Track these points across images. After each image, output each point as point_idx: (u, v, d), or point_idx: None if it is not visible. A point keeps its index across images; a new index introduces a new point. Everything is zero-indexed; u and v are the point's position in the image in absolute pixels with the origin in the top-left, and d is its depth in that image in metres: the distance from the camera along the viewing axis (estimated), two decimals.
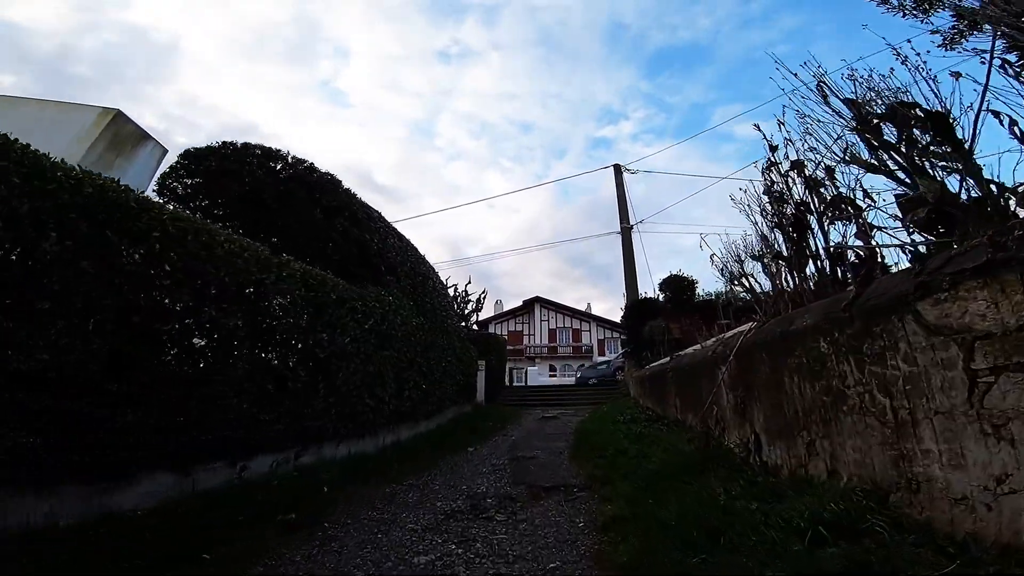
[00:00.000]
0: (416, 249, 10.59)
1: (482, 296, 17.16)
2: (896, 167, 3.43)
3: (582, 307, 43.31)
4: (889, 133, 3.44)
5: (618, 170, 22.31)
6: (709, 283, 25.16)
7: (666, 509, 3.66)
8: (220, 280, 4.12)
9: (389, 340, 7.45)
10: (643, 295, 15.68)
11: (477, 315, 16.99)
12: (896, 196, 3.23)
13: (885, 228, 3.43)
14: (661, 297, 14.43)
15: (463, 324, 16.19)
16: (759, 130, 5.18)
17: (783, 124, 4.84)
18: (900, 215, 3.16)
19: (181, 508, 3.80)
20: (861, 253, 3.50)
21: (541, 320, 41.80)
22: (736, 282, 6.95)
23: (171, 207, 4.37)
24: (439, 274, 12.24)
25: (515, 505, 4.67)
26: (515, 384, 26.27)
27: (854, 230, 3.90)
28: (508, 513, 4.43)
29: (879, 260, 3.22)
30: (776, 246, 5.08)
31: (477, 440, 8.85)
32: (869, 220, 3.57)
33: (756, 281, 5.94)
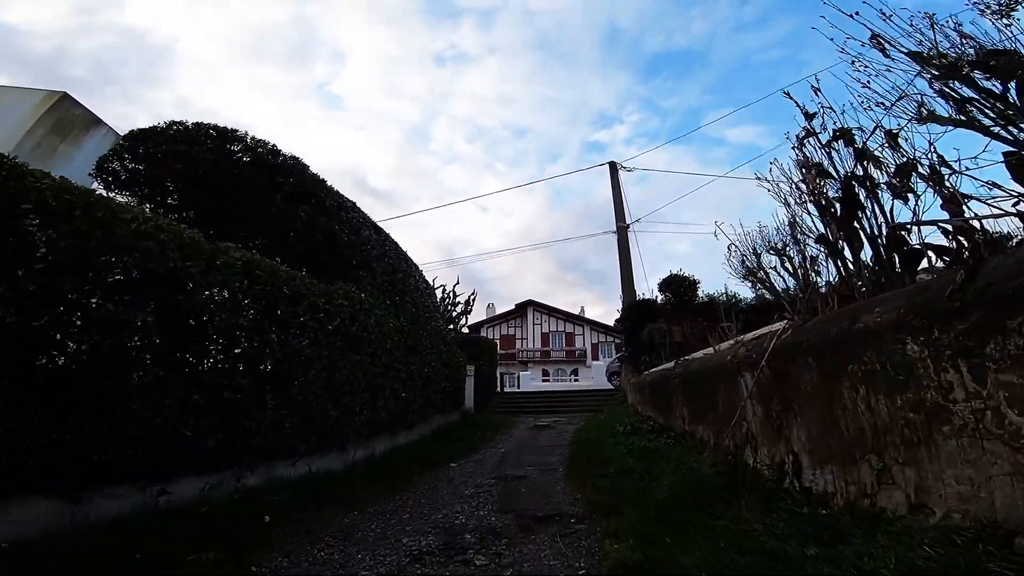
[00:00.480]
0: (397, 245, 9.74)
1: (471, 298, 16.30)
2: (992, 123, 2.66)
3: (576, 311, 42.58)
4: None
5: (614, 168, 21.61)
6: (709, 285, 24.44)
7: (690, 552, 2.83)
8: (122, 265, 3.23)
9: (360, 343, 6.57)
10: (640, 296, 14.88)
11: (466, 318, 16.14)
12: (1006, 155, 2.45)
13: (978, 197, 2.64)
14: (660, 298, 13.63)
15: (451, 327, 15.31)
16: (790, 97, 4.38)
17: (819, 91, 4.08)
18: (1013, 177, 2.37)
19: (59, 543, 2.92)
20: (949, 229, 2.68)
21: (534, 324, 40.95)
22: (754, 277, 6.16)
23: (108, 193, 3.52)
24: (424, 273, 11.39)
25: (500, 542, 3.80)
26: (507, 390, 25.38)
27: (926, 205, 3.10)
28: (491, 554, 3.55)
29: (982, 234, 2.41)
30: (814, 230, 4.28)
31: (462, 453, 7.97)
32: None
33: (783, 273, 5.14)
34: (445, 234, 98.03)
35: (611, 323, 43.62)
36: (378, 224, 9.16)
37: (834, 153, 4.01)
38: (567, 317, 41.62)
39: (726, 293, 12.87)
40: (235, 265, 4.53)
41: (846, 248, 3.71)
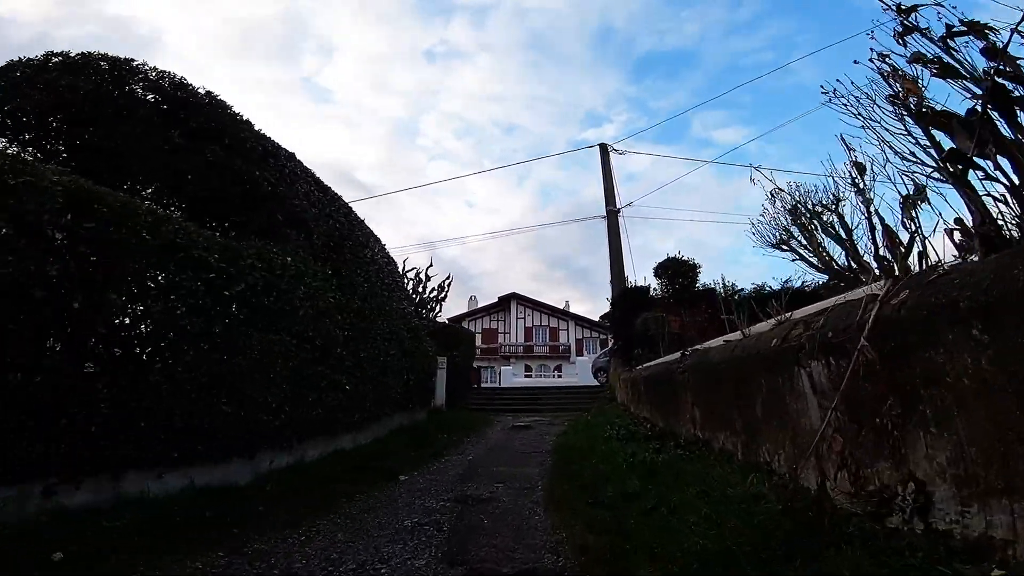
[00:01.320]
0: (352, 211, 8.17)
1: (446, 282, 14.73)
2: None
3: (561, 305, 41.24)
4: None
5: (604, 150, 20.29)
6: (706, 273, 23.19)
7: None
8: None
9: (281, 319, 5.02)
10: (632, 284, 13.49)
11: (441, 305, 14.59)
12: None
13: None
14: (656, 285, 12.26)
15: (422, 312, 13.76)
16: None
17: None
18: None
19: None
20: None
21: (517, 318, 39.49)
22: (800, 240, 4.76)
23: None
24: (387, 249, 9.82)
25: None
26: (486, 385, 23.93)
27: None
28: None
29: None
30: (915, 157, 2.85)
31: (420, 461, 6.46)
32: None
33: (851, 232, 3.73)
34: (432, 231, 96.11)
35: (597, 319, 42.46)
36: (326, 184, 7.57)
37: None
38: (552, 311, 40.24)
39: (723, 282, 11.54)
40: (49, 191, 2.95)
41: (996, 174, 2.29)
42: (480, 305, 41.24)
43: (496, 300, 40.31)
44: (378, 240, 9.16)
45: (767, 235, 5.89)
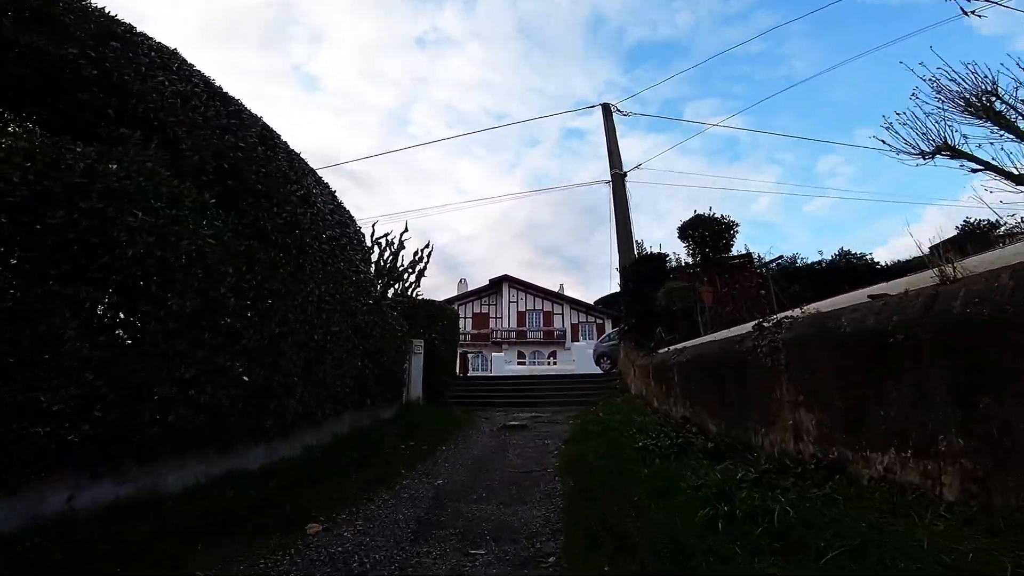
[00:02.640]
0: (276, 136, 5.83)
1: (425, 251, 12.35)
2: None
3: (555, 288, 39.03)
4: None
5: (607, 110, 18.00)
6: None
7: None
8: None
9: (89, 258, 2.73)
10: (647, 252, 11.24)
11: (419, 278, 12.26)
12: None
13: None
14: (681, 254, 10.02)
15: (394, 286, 11.45)
16: None
17: None
18: None
19: None
20: None
21: (510, 302, 37.23)
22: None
23: None
24: (338, 198, 7.49)
25: None
26: (475, 374, 21.85)
27: None
28: None
29: None
30: None
31: (359, 492, 4.22)
32: None
33: None
34: (422, 217, 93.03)
35: (592, 303, 40.32)
36: (238, 101, 5.19)
37: None
38: (545, 295, 38.03)
39: (759, 256, 9.36)
40: None
41: None
42: (470, 288, 38.96)
43: (487, 283, 38.04)
44: (322, 182, 6.82)
45: (918, 138, 3.67)
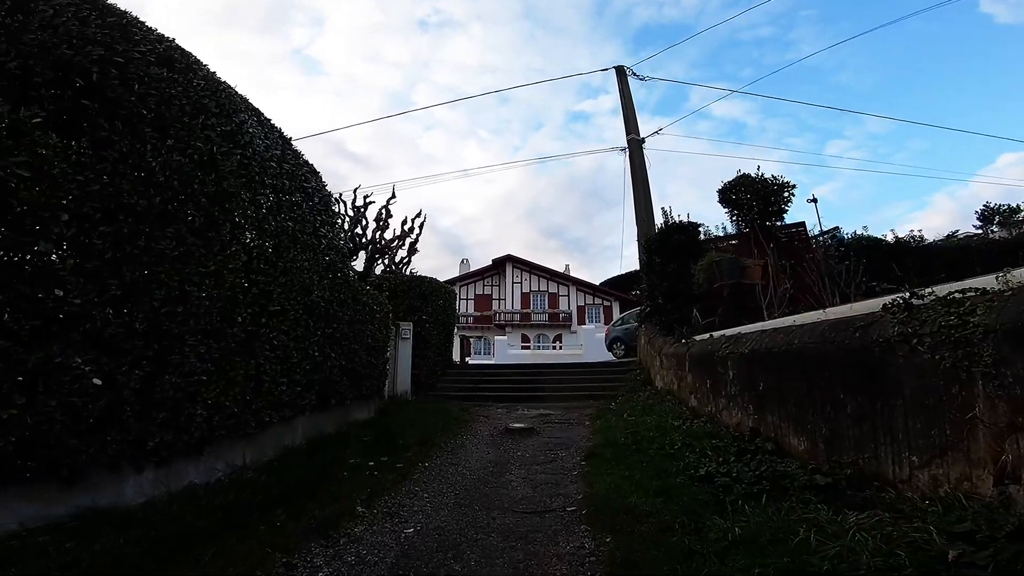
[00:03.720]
0: (191, 59, 4.18)
1: (416, 221, 10.71)
2: None
3: (560, 269, 37.45)
4: None
5: (621, 73, 16.28)
6: None
7: None
8: None
9: None
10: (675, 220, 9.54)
11: (410, 253, 10.68)
12: None
13: None
14: (725, 225, 8.35)
15: (379, 260, 9.86)
16: None
17: None
18: None
19: None
20: None
21: (513, 282, 35.69)
22: None
23: None
24: (296, 148, 5.85)
25: None
26: (476, 360, 20.45)
27: None
28: None
29: None
30: None
31: (261, 560, 2.72)
32: None
33: None
34: (426, 202, 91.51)
35: (599, 284, 38.66)
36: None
37: None
38: (551, 275, 36.45)
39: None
40: None
41: None
42: (472, 269, 37.43)
43: (490, 263, 36.47)
44: (270, 125, 5.19)
45: None
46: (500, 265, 36.15)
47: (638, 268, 35.64)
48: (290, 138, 5.69)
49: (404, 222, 10.32)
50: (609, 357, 16.77)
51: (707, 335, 6.61)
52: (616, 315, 36.45)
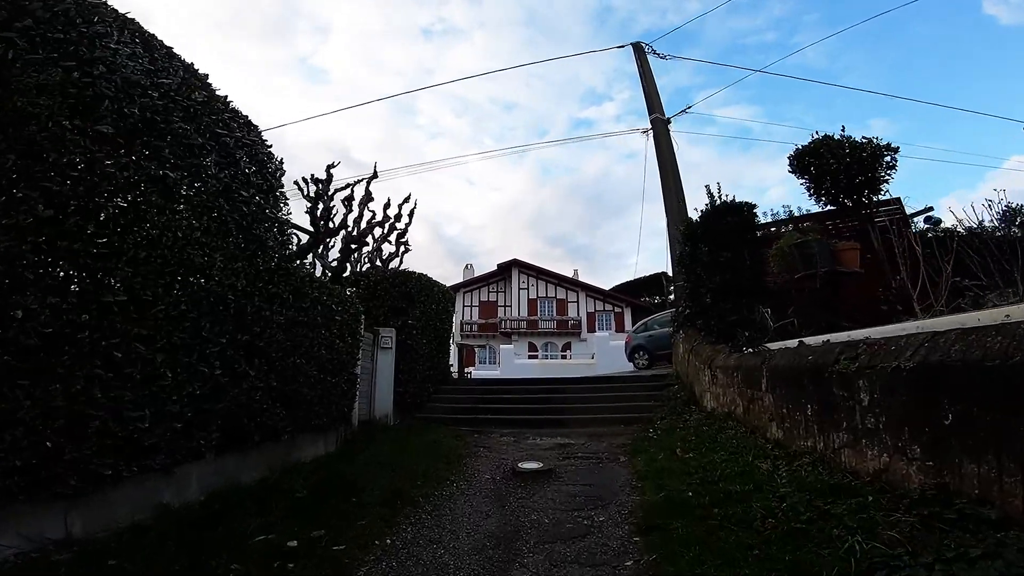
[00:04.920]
0: None
1: (404, 208, 8.87)
2: None
3: (568, 274, 35.59)
4: None
5: (639, 51, 14.63)
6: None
7: None
8: None
9: None
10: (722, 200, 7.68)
11: (399, 246, 8.89)
12: None
13: None
14: (807, 195, 6.44)
15: (355, 252, 8.07)
16: None
17: None
18: None
19: None
20: None
21: (519, 288, 33.83)
22: None
23: None
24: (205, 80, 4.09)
25: None
26: (480, 372, 18.62)
27: None
28: None
29: None
30: None
31: None
32: None
33: None
34: (431, 208, 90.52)
35: (609, 290, 36.68)
36: None
37: None
38: (559, 280, 34.57)
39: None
40: None
41: None
42: (477, 275, 35.67)
43: (495, 268, 34.70)
44: (150, 38, 3.45)
45: None
46: (506, 270, 34.34)
47: (646, 277, 33.70)
48: (201, 71, 3.92)
49: (387, 205, 8.51)
50: (627, 367, 14.85)
51: (792, 342, 4.78)
52: (628, 322, 34.48)
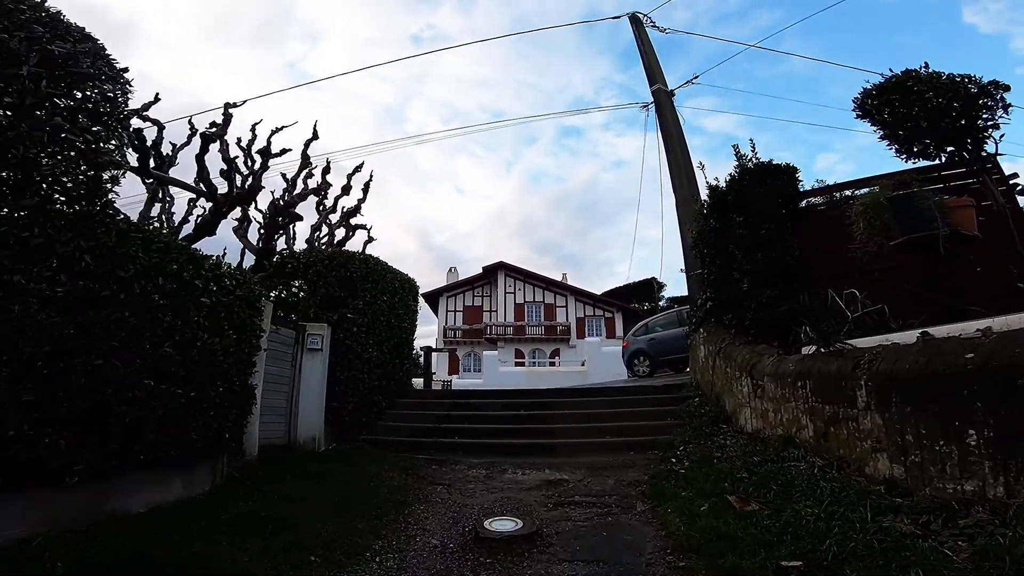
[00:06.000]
0: None
1: (354, 179, 7.06)
2: None
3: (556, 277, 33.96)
4: None
5: (636, 21, 13.20)
6: None
7: None
8: None
9: None
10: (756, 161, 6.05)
11: (347, 222, 7.11)
12: None
13: None
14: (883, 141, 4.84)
15: (281, 229, 6.30)
16: None
17: None
18: None
19: None
20: None
21: (506, 292, 32.04)
22: None
23: None
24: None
25: None
26: (462, 381, 16.92)
27: None
28: None
29: None
30: None
31: None
32: None
33: None
34: (421, 216, 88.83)
35: (599, 294, 35.02)
36: None
37: None
38: (547, 284, 32.88)
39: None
40: None
41: None
42: (461, 278, 33.89)
43: (480, 271, 32.95)
44: None
45: None
46: (491, 273, 32.57)
47: (636, 283, 31.97)
48: None
49: (326, 170, 6.70)
50: (622, 375, 13.17)
51: (904, 335, 3.17)
52: (619, 328, 32.77)
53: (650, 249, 76.14)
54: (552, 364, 28.91)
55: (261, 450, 4.29)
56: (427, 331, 36.09)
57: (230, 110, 5.41)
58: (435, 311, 33.82)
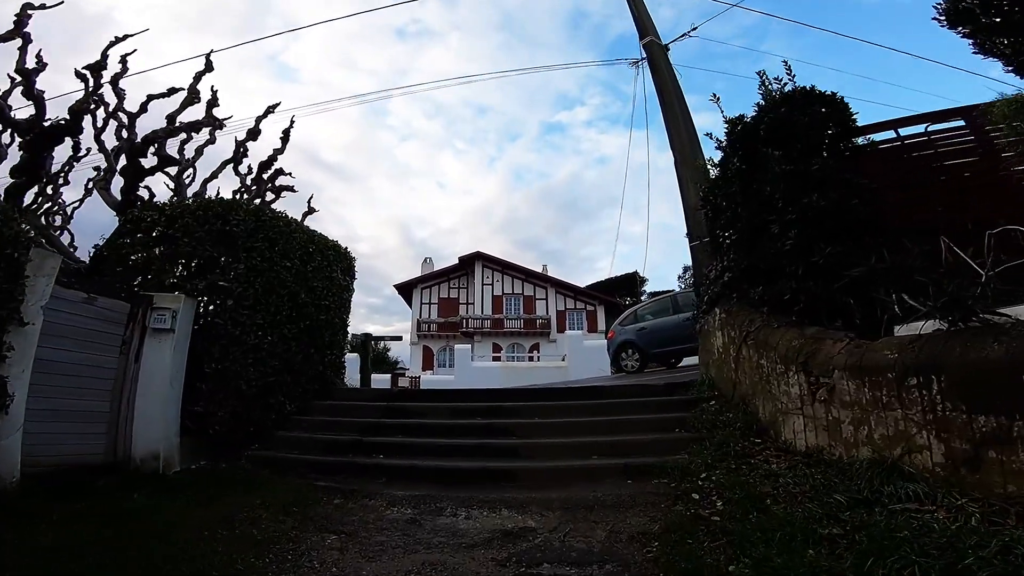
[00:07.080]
0: None
1: (263, 123, 5.37)
2: None
3: (537, 269, 32.41)
4: None
5: None
6: None
7: None
8: None
9: None
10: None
11: (261, 182, 5.43)
12: None
13: None
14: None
15: (133, 162, 4.60)
16: None
17: None
18: None
19: None
20: None
21: (484, 284, 30.34)
22: None
23: None
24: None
25: None
26: (433, 377, 15.37)
27: None
28: None
29: None
30: None
31: None
32: None
33: None
34: (403, 211, 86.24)
35: (577, 290, 33.46)
36: None
37: None
38: (526, 275, 31.28)
39: None
40: None
41: None
42: (436, 268, 32.12)
43: (456, 262, 31.22)
44: None
45: None
46: (468, 264, 30.85)
47: (619, 277, 30.60)
48: None
49: (212, 103, 4.95)
50: (606, 372, 11.67)
51: None
52: (602, 321, 31.17)
53: (632, 245, 75.25)
54: (531, 359, 27.40)
55: (34, 476, 2.63)
56: (402, 327, 34.17)
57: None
58: (409, 303, 31.98)
